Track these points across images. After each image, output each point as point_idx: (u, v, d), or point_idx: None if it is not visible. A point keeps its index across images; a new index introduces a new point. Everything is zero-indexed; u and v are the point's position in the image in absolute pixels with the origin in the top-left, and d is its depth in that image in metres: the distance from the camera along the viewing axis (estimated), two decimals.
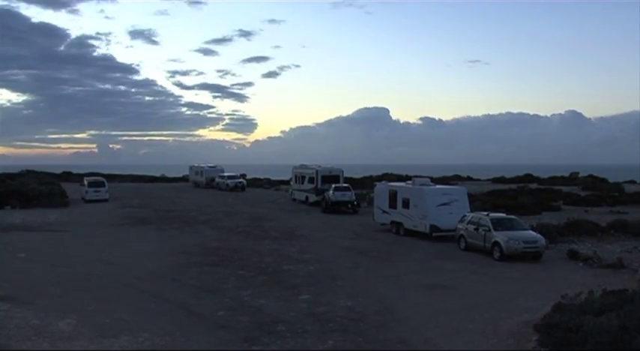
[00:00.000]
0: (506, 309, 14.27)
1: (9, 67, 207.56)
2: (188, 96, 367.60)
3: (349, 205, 38.20)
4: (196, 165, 64.75)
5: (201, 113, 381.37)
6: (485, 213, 24.29)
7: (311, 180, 42.40)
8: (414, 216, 27.38)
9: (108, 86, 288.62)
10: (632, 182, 63.46)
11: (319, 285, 17.35)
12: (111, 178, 64.94)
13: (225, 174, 57.97)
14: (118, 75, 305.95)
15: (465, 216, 24.65)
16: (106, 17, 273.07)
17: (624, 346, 9.44)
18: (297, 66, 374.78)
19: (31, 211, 36.87)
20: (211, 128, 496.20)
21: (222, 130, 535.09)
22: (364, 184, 54.31)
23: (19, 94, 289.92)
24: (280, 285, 17.29)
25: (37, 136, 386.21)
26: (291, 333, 12.46)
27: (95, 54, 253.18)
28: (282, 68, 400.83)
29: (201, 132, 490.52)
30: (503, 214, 24.39)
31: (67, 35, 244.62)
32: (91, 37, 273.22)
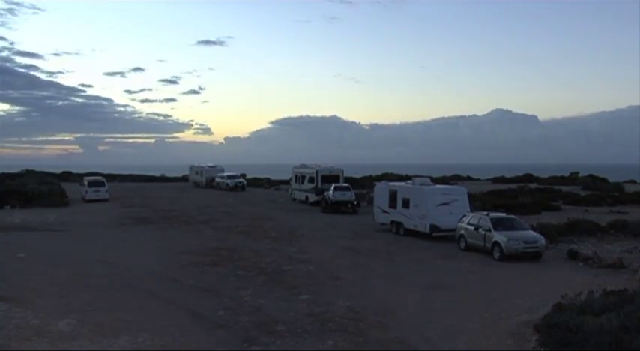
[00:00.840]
0: (506, 309, 14.27)
1: (5, 89, 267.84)
2: (148, 108, 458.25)
3: (349, 205, 38.18)
4: (196, 165, 64.73)
5: (172, 119, 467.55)
6: (486, 213, 24.26)
7: (311, 180, 42.40)
8: (414, 216, 27.37)
9: (85, 100, 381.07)
10: (632, 182, 63.48)
11: (319, 285, 17.34)
12: (111, 178, 64.98)
13: (225, 174, 57.94)
14: (85, 94, 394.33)
15: (465, 216, 24.65)
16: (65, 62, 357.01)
17: (624, 346, 9.44)
18: (203, 88, 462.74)
19: (31, 210, 36.89)
20: (187, 131, 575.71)
21: (195, 133, 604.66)
22: (364, 184, 54.31)
23: (13, 105, 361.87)
24: (280, 285, 17.28)
25: (27, 139, 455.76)
26: (290, 333, 12.45)
27: (63, 82, 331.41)
28: (201, 87, 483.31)
29: (179, 135, 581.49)
30: (503, 214, 24.36)
31: (44, 72, 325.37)
32: (59, 72, 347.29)
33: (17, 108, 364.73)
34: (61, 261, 20.70)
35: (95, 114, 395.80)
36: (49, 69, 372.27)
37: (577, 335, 10.02)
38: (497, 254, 21.65)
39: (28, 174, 61.40)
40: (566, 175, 69.50)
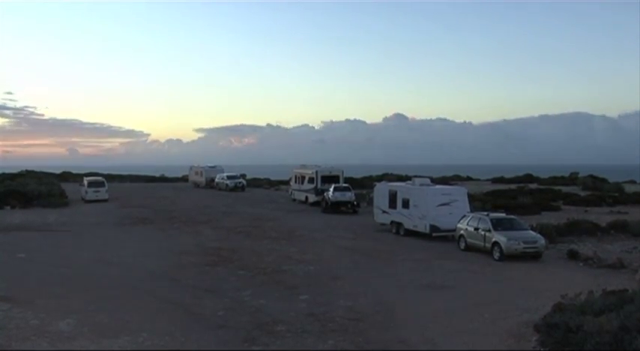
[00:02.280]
0: (506, 309, 14.27)
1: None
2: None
3: (349, 205, 38.19)
4: (196, 165, 64.75)
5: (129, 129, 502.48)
6: (485, 213, 24.27)
7: (311, 180, 42.39)
8: (413, 216, 27.37)
9: (55, 116, 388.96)
10: (632, 182, 63.50)
11: (319, 285, 17.34)
12: (110, 178, 64.92)
13: (225, 174, 57.94)
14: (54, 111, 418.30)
15: (465, 216, 24.65)
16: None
17: (624, 347, 9.44)
18: None
19: (31, 211, 36.89)
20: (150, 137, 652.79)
21: (154, 139, 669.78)
22: (364, 184, 54.33)
23: (5, 119, 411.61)
24: (280, 285, 17.28)
25: (16, 143, 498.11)
26: (290, 333, 12.45)
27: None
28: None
29: (139, 139, 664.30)
30: (503, 214, 24.36)
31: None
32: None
33: (8, 121, 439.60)
34: (61, 261, 20.70)
35: (69, 125, 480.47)
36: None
37: (577, 335, 10.02)
38: (497, 254, 21.65)
39: (28, 174, 61.39)
40: (566, 175, 69.56)
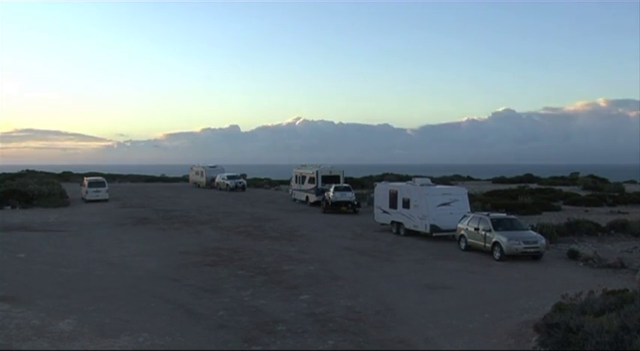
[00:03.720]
0: (507, 309, 14.27)
1: None
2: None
3: (349, 205, 38.17)
4: (196, 165, 64.80)
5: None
6: (486, 213, 24.28)
7: (311, 180, 42.40)
8: (414, 216, 27.36)
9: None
10: (633, 182, 63.50)
11: (319, 285, 17.34)
12: (111, 178, 64.96)
13: (225, 174, 57.97)
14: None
15: (465, 216, 24.64)
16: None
17: (625, 347, 9.44)
18: None
19: (31, 211, 36.90)
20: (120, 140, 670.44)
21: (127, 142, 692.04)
22: (364, 184, 54.34)
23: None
24: (280, 285, 17.29)
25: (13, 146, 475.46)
26: (291, 333, 12.46)
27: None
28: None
29: (112, 143, 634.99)
30: (503, 215, 24.36)
31: None
32: None
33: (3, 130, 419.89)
34: (62, 261, 20.71)
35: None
36: None
37: (577, 335, 10.01)
38: (497, 254, 21.65)
39: (29, 174, 61.46)
40: (566, 175, 69.62)
